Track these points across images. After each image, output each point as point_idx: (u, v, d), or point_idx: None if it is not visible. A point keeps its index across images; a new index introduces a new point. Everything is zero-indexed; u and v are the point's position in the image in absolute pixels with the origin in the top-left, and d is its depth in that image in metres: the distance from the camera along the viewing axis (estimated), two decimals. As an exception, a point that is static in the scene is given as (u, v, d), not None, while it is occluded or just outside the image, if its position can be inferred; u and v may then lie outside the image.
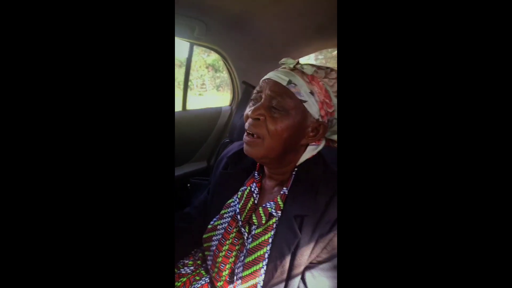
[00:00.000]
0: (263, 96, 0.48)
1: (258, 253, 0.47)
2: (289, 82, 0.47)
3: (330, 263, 0.44)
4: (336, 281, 0.43)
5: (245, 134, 0.50)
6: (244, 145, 0.50)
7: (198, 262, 0.60)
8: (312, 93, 0.47)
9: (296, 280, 0.44)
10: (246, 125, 0.50)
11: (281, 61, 0.51)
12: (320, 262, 0.44)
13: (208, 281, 0.55)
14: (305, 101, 0.47)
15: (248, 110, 0.50)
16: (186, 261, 0.60)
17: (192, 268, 0.58)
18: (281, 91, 0.47)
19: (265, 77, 0.50)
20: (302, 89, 0.47)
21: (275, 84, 0.47)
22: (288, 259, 0.44)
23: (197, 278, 0.55)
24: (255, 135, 0.48)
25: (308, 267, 0.45)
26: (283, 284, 0.44)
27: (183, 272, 0.57)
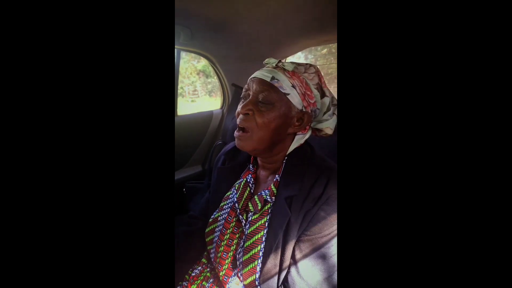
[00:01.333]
0: (251, 93, 0.53)
1: (256, 237, 0.51)
2: (272, 78, 0.51)
3: (316, 253, 0.48)
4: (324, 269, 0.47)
5: (236, 129, 0.54)
6: (236, 140, 0.54)
7: (204, 260, 0.62)
8: (293, 86, 0.52)
9: (288, 258, 0.48)
10: (238, 120, 0.54)
11: (265, 61, 0.57)
12: (307, 235, 0.48)
13: (212, 281, 0.57)
14: (288, 94, 0.51)
15: (238, 108, 0.54)
16: (195, 265, 0.62)
17: (200, 268, 0.60)
18: (266, 87, 0.51)
19: (252, 76, 0.55)
20: (284, 83, 0.51)
21: (260, 81, 0.52)
22: (281, 238, 0.48)
23: (204, 283, 0.57)
24: (245, 129, 0.53)
25: (296, 249, 0.49)
26: (278, 263, 0.48)
27: (193, 275, 0.59)
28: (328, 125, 0.57)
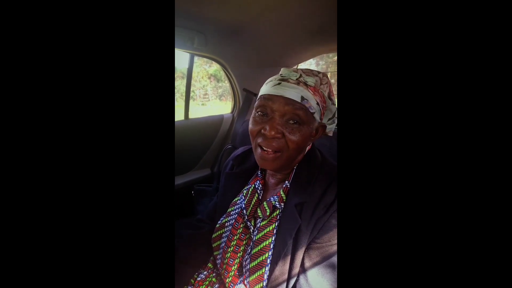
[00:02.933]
0: (276, 112, 0.49)
1: (264, 244, 0.50)
2: (302, 98, 0.48)
3: (326, 262, 0.47)
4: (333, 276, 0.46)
5: (260, 150, 0.51)
6: (261, 161, 0.51)
7: (210, 265, 0.62)
8: (317, 103, 0.50)
9: (297, 265, 0.47)
10: (261, 141, 0.50)
11: (282, 72, 0.52)
12: (317, 243, 0.47)
13: (217, 286, 0.56)
14: (314, 113, 0.50)
15: (257, 126, 0.50)
16: (201, 270, 0.62)
17: (205, 273, 0.60)
18: (295, 107, 0.48)
19: (273, 92, 0.49)
20: (312, 102, 0.49)
21: (288, 101, 0.48)
22: (290, 245, 0.47)
23: None
24: (273, 150, 0.49)
25: (305, 257, 0.48)
26: (287, 271, 0.47)
27: (198, 279, 0.59)
28: (331, 129, 0.58)
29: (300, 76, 0.51)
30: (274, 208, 0.53)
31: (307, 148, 0.57)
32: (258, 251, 0.50)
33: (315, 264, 0.47)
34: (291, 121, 0.48)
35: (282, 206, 0.52)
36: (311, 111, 0.49)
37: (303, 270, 0.48)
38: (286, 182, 0.55)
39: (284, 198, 0.53)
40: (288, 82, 0.50)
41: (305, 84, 0.50)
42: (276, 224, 0.51)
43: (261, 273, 0.48)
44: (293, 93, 0.48)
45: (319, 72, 0.54)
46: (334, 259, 0.46)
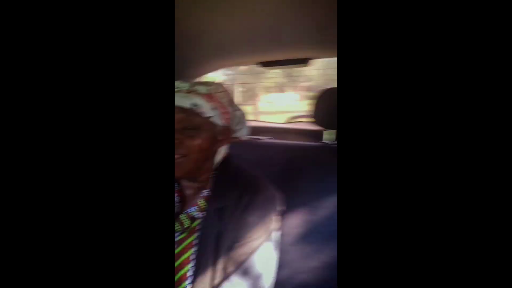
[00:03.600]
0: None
1: (183, 258, 0.50)
2: (193, 105, 0.52)
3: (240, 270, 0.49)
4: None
5: None
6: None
7: None
8: (214, 108, 0.54)
9: (219, 274, 0.48)
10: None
11: (176, 85, 0.55)
12: (237, 243, 0.50)
13: None
14: (211, 116, 0.53)
15: None
16: None
17: None
18: (187, 114, 0.52)
19: None
20: (204, 108, 0.52)
21: (180, 109, 0.52)
22: (211, 254, 0.49)
23: None
24: (179, 155, 0.51)
25: (227, 262, 0.49)
26: (208, 282, 0.48)
27: None
28: (242, 133, 0.63)
29: (191, 85, 0.55)
30: (192, 219, 0.53)
31: (223, 156, 0.59)
32: (177, 266, 0.49)
33: (237, 268, 0.49)
34: (188, 127, 0.52)
35: (201, 215, 0.53)
36: (206, 115, 0.53)
37: (226, 276, 0.49)
38: (205, 191, 0.56)
39: (204, 206, 0.54)
40: (181, 92, 0.54)
41: (197, 93, 0.54)
42: (196, 235, 0.52)
43: (183, 286, 0.47)
44: (184, 101, 0.52)
45: (213, 83, 0.59)
46: (251, 257, 0.49)
